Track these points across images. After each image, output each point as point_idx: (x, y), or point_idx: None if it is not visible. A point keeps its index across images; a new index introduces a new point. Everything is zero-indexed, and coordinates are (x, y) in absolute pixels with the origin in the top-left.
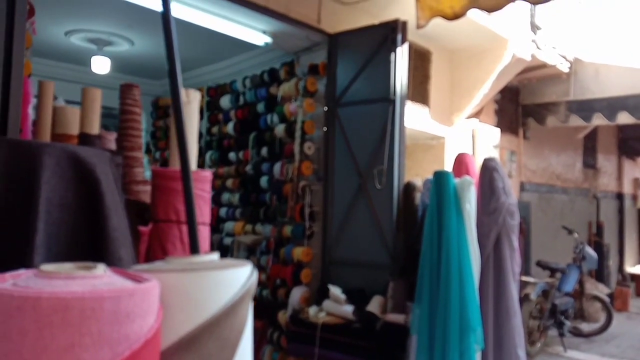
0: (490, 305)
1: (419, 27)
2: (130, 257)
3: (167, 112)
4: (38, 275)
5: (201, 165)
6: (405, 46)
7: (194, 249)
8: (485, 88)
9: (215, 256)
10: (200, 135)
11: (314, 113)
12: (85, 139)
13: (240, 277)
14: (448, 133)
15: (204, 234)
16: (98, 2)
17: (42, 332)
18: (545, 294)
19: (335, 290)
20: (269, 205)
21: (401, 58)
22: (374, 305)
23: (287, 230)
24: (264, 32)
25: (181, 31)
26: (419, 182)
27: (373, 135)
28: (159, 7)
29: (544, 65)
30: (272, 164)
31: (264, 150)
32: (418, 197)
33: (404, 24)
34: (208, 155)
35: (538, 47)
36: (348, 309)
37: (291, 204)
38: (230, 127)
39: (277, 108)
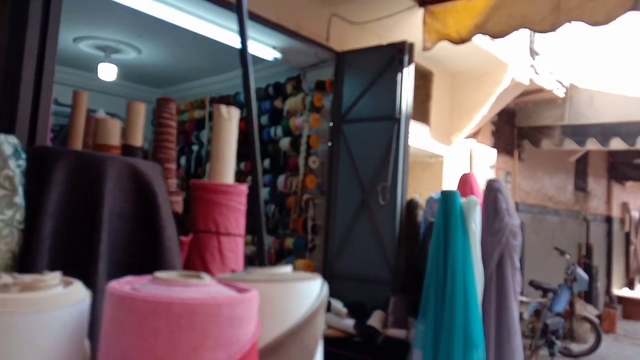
0: (492, 323)
1: (425, 49)
2: (180, 266)
3: None
4: (154, 282)
5: (202, 175)
6: (412, 67)
7: (262, 261)
8: (484, 110)
9: (288, 269)
10: (201, 145)
11: (320, 128)
12: (129, 150)
13: (314, 288)
14: (447, 152)
15: (240, 245)
16: (109, 10)
17: (172, 334)
18: (537, 313)
19: (336, 304)
20: (269, 216)
21: (407, 78)
22: (375, 320)
23: (289, 242)
24: (274, 48)
25: (187, 41)
26: (421, 199)
27: (377, 152)
28: (169, 17)
29: (540, 90)
30: (274, 175)
31: (266, 162)
32: (420, 214)
33: (411, 45)
34: (209, 165)
35: (536, 72)
36: (349, 323)
37: (294, 216)
38: None
39: (282, 122)
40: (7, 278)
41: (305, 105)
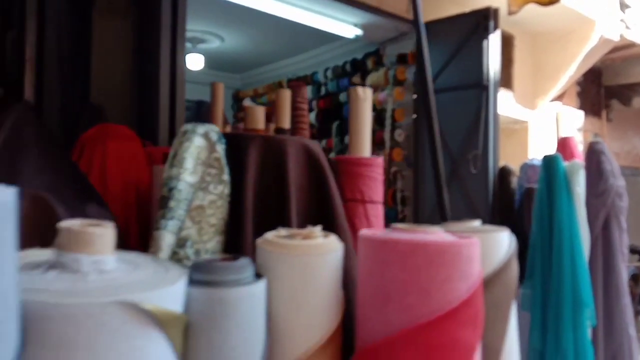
0: (600, 284)
1: (510, 13)
2: (348, 228)
3: None
4: (396, 231)
5: None
6: (498, 33)
7: (444, 217)
8: (571, 71)
9: (477, 223)
10: None
11: (403, 101)
12: (281, 132)
13: (505, 238)
14: (531, 117)
15: (381, 211)
16: (196, 2)
17: (429, 268)
18: (635, 278)
19: None
20: None
21: (493, 45)
22: None
23: None
24: (355, 25)
25: (266, 25)
26: (512, 166)
27: (464, 121)
28: (252, 3)
29: (631, 45)
30: None
31: (347, 139)
32: (514, 181)
33: (496, 11)
34: None
35: (627, 27)
36: None
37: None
38: (312, 117)
39: None
40: (284, 231)
41: (387, 80)
